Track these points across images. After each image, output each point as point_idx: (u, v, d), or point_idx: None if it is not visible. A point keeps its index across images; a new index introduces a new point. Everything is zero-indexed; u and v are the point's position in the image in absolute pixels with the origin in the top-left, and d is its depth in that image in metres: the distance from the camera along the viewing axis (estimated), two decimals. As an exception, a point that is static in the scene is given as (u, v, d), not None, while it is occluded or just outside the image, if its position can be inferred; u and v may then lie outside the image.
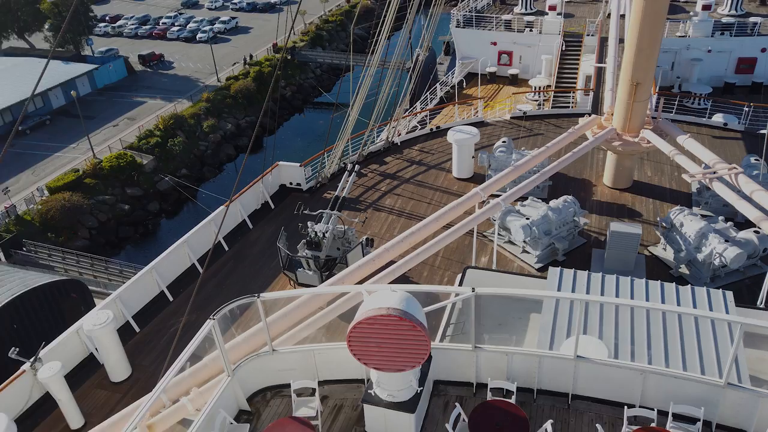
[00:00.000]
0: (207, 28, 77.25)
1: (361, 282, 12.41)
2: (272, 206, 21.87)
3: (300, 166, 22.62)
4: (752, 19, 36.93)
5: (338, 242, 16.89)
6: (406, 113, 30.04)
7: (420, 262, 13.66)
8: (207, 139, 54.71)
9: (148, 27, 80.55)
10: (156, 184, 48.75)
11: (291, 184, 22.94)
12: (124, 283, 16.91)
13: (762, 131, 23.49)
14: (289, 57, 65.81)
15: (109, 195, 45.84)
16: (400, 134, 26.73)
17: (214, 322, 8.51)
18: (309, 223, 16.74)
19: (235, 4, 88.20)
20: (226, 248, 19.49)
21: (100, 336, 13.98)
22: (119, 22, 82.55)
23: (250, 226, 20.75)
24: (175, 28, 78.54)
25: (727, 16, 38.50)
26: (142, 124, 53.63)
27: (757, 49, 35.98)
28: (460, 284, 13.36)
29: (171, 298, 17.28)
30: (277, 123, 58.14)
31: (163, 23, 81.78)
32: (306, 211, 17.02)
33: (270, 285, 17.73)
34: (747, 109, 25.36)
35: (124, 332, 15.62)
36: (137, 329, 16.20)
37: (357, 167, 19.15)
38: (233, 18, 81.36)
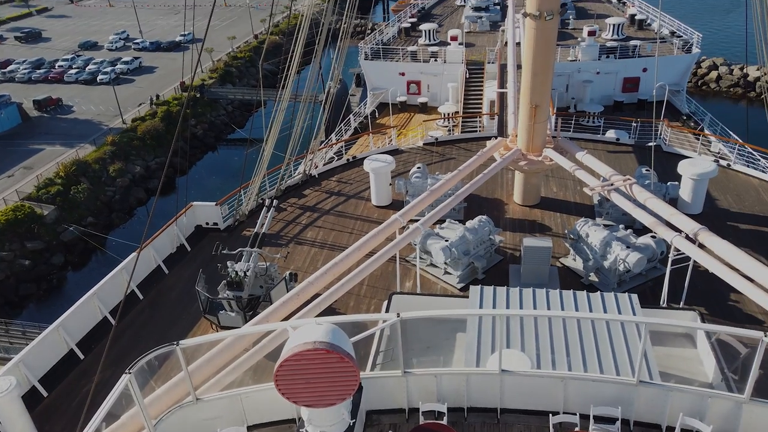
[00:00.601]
0: (108, 69, 74.34)
1: (286, 318, 12.20)
2: (188, 248, 21.12)
3: (216, 205, 22.07)
4: (632, 43, 40.49)
5: (260, 280, 16.56)
6: (322, 145, 30.19)
7: (345, 292, 13.63)
8: (114, 183, 52.16)
9: (42, 71, 76.34)
10: (59, 235, 45.68)
11: (207, 224, 22.30)
12: (27, 344, 15.63)
13: (649, 144, 25.59)
14: (198, 95, 64.54)
15: (7, 251, 42.44)
16: (317, 166, 26.81)
17: (130, 376, 8.05)
18: (229, 263, 16.31)
19: (138, 44, 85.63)
20: (141, 297, 18.53)
21: (1, 406, 12.78)
22: (10, 68, 77.74)
23: (166, 271, 19.88)
24: (72, 71, 74.90)
25: (611, 40, 41.98)
26: (41, 172, 50.36)
27: (639, 69, 39.39)
28: (387, 310, 13.46)
29: (81, 356, 16.14)
30: (189, 162, 56.51)
31: (60, 66, 77.78)
32: (225, 251, 16.59)
33: (191, 331, 16.99)
34: (635, 124, 27.61)
35: (30, 399, 14.37)
36: (45, 394, 14.96)
37: (275, 202, 18.98)
38: (136, 58, 78.85)
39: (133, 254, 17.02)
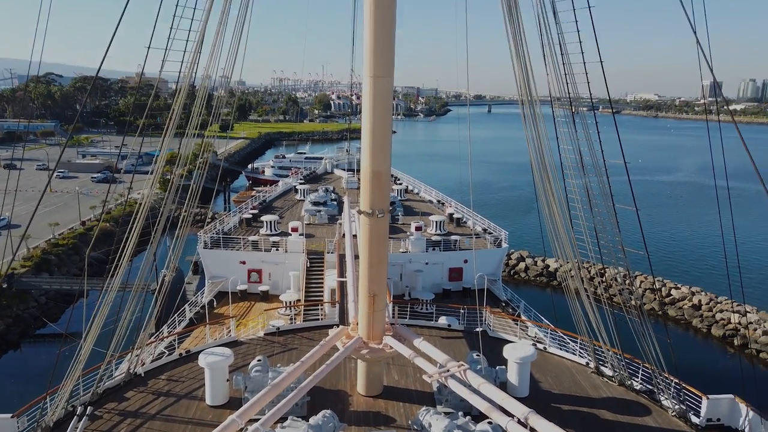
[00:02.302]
0: None
1: None
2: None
3: (12, 417, 18.51)
4: (453, 237, 45.64)
5: None
6: (151, 339, 27.82)
7: None
8: None
9: None
10: None
11: (-2, 441, 18.41)
12: None
13: (477, 329, 27.63)
14: (5, 285, 57.28)
15: None
16: (143, 363, 24.30)
17: None
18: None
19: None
20: None
21: None
22: None
23: None
24: None
25: (435, 235, 46.95)
26: None
27: (461, 261, 43.92)
28: None
29: None
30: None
31: None
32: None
33: None
34: (462, 311, 29.92)
35: None
36: None
37: (89, 409, 16.46)
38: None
39: None
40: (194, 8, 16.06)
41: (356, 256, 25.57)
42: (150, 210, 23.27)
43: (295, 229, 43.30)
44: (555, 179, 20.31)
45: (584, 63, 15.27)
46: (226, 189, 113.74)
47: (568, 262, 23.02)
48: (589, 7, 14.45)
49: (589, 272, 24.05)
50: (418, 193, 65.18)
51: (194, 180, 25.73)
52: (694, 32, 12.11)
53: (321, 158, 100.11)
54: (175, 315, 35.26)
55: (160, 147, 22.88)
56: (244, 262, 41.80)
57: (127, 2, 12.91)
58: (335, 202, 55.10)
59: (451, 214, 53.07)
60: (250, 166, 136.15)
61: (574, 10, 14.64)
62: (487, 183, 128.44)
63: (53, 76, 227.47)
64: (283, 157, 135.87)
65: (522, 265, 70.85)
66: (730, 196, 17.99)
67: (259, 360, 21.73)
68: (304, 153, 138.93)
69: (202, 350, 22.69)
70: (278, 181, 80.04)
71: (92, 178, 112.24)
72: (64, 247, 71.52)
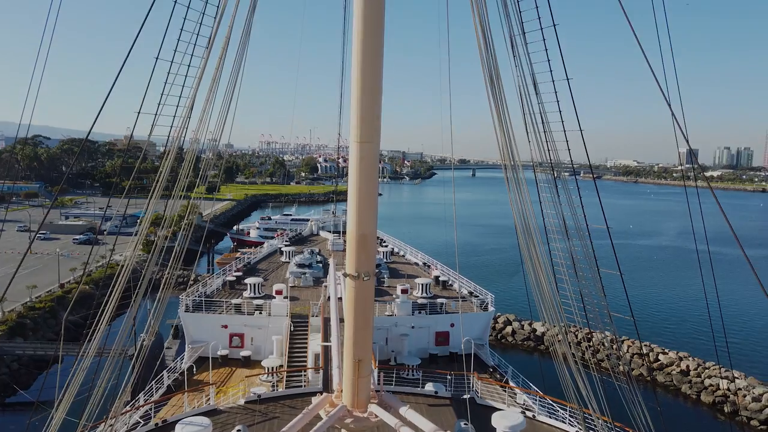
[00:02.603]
0: None
1: None
2: None
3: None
4: (439, 300, 45.28)
5: None
6: (127, 408, 26.69)
7: None
8: None
9: None
10: None
11: None
12: None
13: (464, 396, 26.97)
14: (-24, 349, 55.22)
15: None
16: (117, 434, 23.23)
17: None
18: None
19: None
20: None
21: None
22: None
23: None
24: None
25: (421, 298, 46.57)
26: None
27: (447, 324, 43.41)
28: None
29: None
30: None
31: None
32: None
33: None
34: (449, 377, 29.29)
35: None
36: None
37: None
38: None
39: None
40: (185, 75, 16.46)
41: (341, 320, 25.18)
42: (132, 273, 22.89)
43: (279, 292, 42.75)
44: (539, 243, 20.46)
45: (564, 131, 15.76)
46: (210, 251, 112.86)
47: (554, 326, 22.85)
48: (567, 79, 15.07)
49: (576, 336, 23.87)
50: (404, 255, 65.18)
51: (178, 242, 25.52)
52: (669, 105, 12.63)
53: (307, 220, 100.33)
54: (153, 382, 34.06)
55: (146, 208, 22.82)
56: (226, 326, 40.93)
57: (120, 71, 13.24)
58: (321, 264, 54.79)
59: (437, 277, 52.91)
60: (235, 227, 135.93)
61: (554, 81, 15.25)
62: (473, 245, 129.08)
63: (41, 138, 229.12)
64: (269, 218, 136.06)
65: (509, 328, 70.19)
66: (712, 261, 18.21)
67: (238, 430, 20.89)
68: (290, 215, 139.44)
69: (179, 420, 21.81)
70: (263, 242, 79.78)
71: (74, 239, 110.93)
72: (41, 311, 69.66)
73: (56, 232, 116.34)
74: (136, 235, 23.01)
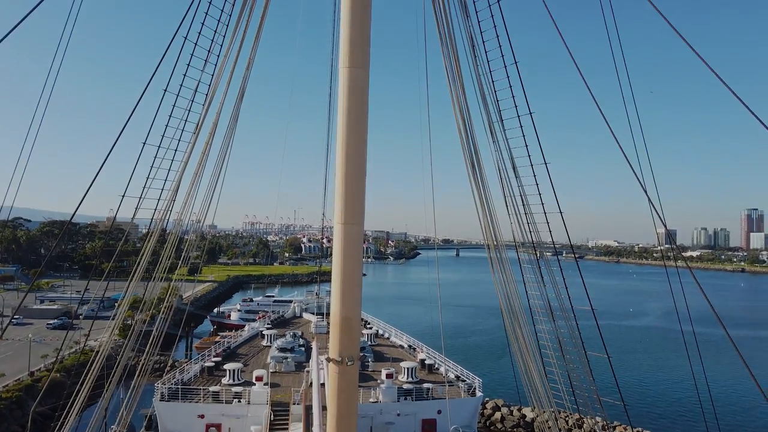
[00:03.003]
0: None
1: None
2: None
3: None
4: (425, 385, 43.92)
5: None
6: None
7: None
8: None
9: None
10: None
11: None
12: None
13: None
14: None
15: None
16: None
17: None
18: None
19: None
20: None
21: None
22: None
23: None
24: None
25: (407, 383, 45.18)
26: None
27: (434, 411, 41.88)
28: None
29: None
30: None
31: None
32: None
33: None
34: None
35: None
36: None
37: None
38: None
39: None
40: (172, 159, 16.69)
41: (324, 407, 24.19)
42: (107, 359, 22.02)
43: (259, 378, 41.28)
44: (525, 324, 20.26)
45: (545, 213, 16.08)
46: (189, 334, 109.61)
47: (544, 412, 22.16)
48: (545, 163, 15.59)
49: (567, 423, 23.13)
50: (388, 338, 63.92)
51: (157, 326, 24.84)
52: (645, 191, 13.04)
53: (290, 302, 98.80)
54: (122, 478, 31.89)
55: (125, 291, 22.33)
56: (202, 416, 39.08)
57: (106, 157, 13.41)
58: (303, 348, 53.39)
59: (422, 360, 51.67)
60: (216, 310, 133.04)
61: (532, 165, 15.75)
62: (459, 326, 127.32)
63: (21, 220, 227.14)
64: (251, 300, 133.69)
65: (498, 414, 67.84)
66: (699, 342, 18.10)
67: None
68: (273, 296, 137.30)
69: None
70: (245, 325, 77.91)
71: (48, 324, 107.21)
72: (7, 401, 66.07)
73: (30, 317, 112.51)
74: (113, 319, 22.37)
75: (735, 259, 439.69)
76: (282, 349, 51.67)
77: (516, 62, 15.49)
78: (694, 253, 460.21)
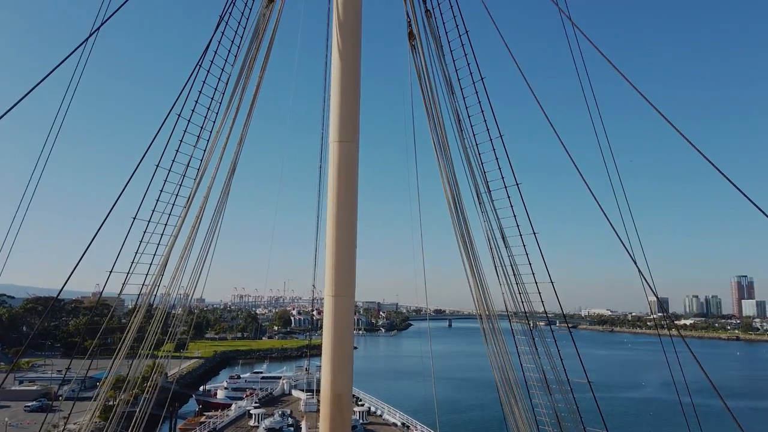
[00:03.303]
0: None
1: None
2: None
3: None
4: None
5: None
6: None
7: None
8: None
9: None
10: None
11: None
12: None
13: None
14: None
15: None
16: None
17: None
18: None
19: None
20: None
21: None
22: None
23: None
24: None
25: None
26: None
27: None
28: None
29: None
30: None
31: None
32: None
33: None
34: None
35: None
36: None
37: None
38: None
39: None
40: (161, 234, 16.62)
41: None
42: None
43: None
44: (520, 398, 19.68)
45: (536, 283, 16.01)
46: (173, 415, 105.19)
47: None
48: (534, 233, 15.69)
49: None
50: (381, 415, 61.77)
51: (140, 407, 23.83)
52: (635, 262, 13.13)
53: (278, 378, 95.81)
54: None
55: (109, 369, 21.58)
56: None
57: (96, 233, 13.35)
58: (292, 428, 51.33)
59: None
60: (201, 388, 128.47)
61: (521, 235, 15.84)
62: (453, 401, 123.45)
63: (5, 297, 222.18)
64: (238, 377, 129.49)
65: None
66: (699, 414, 17.61)
67: None
68: (261, 372, 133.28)
69: None
70: (231, 404, 75.09)
71: (26, 407, 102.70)
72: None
73: (7, 399, 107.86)
74: (94, 399, 21.47)
75: (729, 327, 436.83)
76: (270, 430, 49.67)
77: (501, 135, 15.93)
78: (688, 321, 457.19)
